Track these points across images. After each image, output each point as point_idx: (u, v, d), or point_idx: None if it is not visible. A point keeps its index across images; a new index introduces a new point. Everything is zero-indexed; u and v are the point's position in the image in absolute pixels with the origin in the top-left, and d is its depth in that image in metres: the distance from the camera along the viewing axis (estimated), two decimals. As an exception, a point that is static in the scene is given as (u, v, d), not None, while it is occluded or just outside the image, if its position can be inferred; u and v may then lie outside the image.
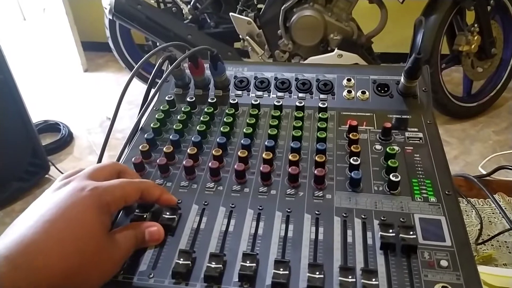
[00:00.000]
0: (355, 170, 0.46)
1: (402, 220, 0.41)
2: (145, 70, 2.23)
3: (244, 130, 0.52)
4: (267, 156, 0.48)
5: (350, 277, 0.36)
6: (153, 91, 0.57)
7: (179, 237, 0.41)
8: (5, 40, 2.04)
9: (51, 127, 2.26)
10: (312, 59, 1.90)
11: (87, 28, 2.90)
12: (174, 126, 0.54)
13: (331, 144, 0.51)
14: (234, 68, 0.64)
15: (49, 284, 0.32)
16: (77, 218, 0.35)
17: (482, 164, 0.88)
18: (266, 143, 0.50)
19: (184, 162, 0.48)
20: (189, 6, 2.03)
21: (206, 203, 0.45)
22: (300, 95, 0.59)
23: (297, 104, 0.56)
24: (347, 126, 0.53)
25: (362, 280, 0.36)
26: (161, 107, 0.57)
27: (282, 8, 1.85)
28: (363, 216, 0.42)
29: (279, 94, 0.60)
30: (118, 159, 0.51)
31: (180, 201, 0.45)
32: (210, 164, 0.47)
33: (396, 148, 0.49)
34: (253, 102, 0.57)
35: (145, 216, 0.42)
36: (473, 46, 1.95)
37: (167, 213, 0.42)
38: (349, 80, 0.60)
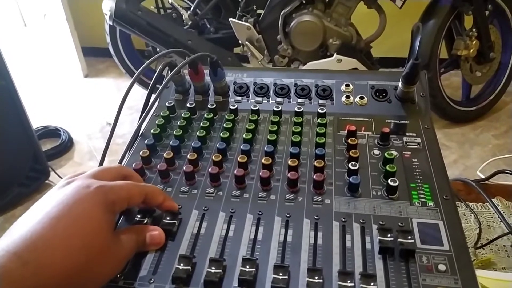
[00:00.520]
0: (354, 175, 0.46)
1: (401, 225, 0.42)
2: (145, 75, 2.24)
3: (244, 135, 0.53)
4: (266, 161, 0.48)
5: (349, 281, 0.36)
6: (153, 97, 0.57)
7: (179, 242, 0.41)
8: (6, 46, 2.05)
9: (52, 132, 2.27)
10: (311, 64, 1.91)
11: (88, 33, 2.91)
12: (174, 132, 0.54)
13: (330, 149, 0.52)
14: (233, 74, 0.64)
15: (56, 280, 0.32)
16: (83, 215, 0.35)
17: (480, 168, 0.88)
18: (265, 148, 0.50)
19: (184, 168, 0.48)
20: (189, 12, 2.04)
21: (206, 208, 0.45)
22: (299, 100, 0.60)
23: (296, 109, 0.57)
24: (346, 131, 0.53)
25: (361, 285, 0.36)
26: (161, 113, 0.58)
27: (281, 13, 1.86)
28: (361, 221, 0.43)
29: (278, 99, 0.60)
30: (119, 165, 0.51)
31: (180, 206, 0.45)
32: (210, 169, 0.47)
33: (394, 153, 0.49)
34: (252, 107, 0.58)
35: (145, 221, 0.43)
36: (471, 51, 1.96)
37: (168, 218, 0.43)
38: (347, 85, 0.60)
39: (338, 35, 1.88)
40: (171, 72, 0.57)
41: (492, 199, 0.71)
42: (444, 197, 0.45)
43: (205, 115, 0.57)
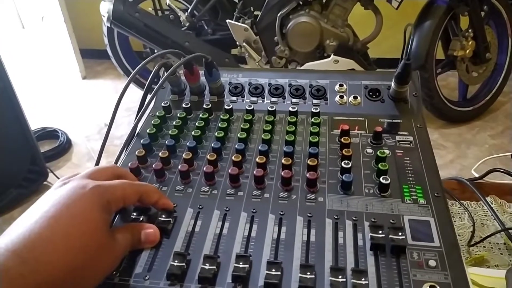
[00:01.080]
0: (347, 173, 0.47)
1: (392, 222, 0.42)
2: (143, 76, 2.25)
3: (238, 135, 0.53)
4: (260, 160, 0.49)
5: (340, 277, 0.37)
6: (149, 97, 0.58)
7: (174, 240, 0.42)
8: (4, 48, 2.06)
9: (50, 134, 2.27)
10: (308, 65, 1.92)
11: (86, 35, 2.92)
12: (170, 132, 0.55)
13: (324, 148, 0.53)
14: (229, 75, 0.65)
15: (54, 278, 0.33)
16: (80, 215, 0.36)
17: (475, 167, 0.89)
18: (259, 147, 0.51)
19: (179, 167, 0.49)
20: (186, 14, 2.05)
21: (201, 207, 0.46)
22: (294, 100, 0.61)
23: (290, 109, 0.58)
24: (339, 130, 0.54)
25: (352, 280, 0.37)
26: (157, 113, 0.59)
27: (279, 15, 1.87)
28: (354, 218, 0.43)
29: (273, 99, 0.61)
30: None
31: (175, 205, 0.46)
32: (204, 168, 0.48)
33: (387, 151, 0.50)
34: (247, 107, 0.59)
35: (141, 219, 0.43)
36: (467, 51, 1.97)
37: (163, 216, 0.43)
38: (341, 85, 0.61)
39: (335, 36, 1.89)
40: (166, 73, 0.58)
41: (486, 198, 0.71)
42: (435, 194, 0.45)
43: (201, 115, 0.58)
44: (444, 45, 2.04)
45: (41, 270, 0.32)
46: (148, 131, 0.55)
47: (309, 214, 0.44)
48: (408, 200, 0.45)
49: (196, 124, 0.56)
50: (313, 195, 0.46)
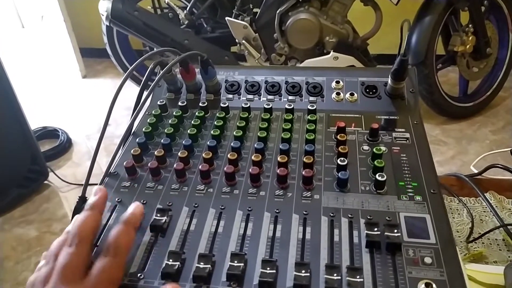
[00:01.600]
0: (343, 170, 0.47)
1: (388, 219, 0.42)
2: (142, 75, 2.25)
3: (235, 133, 0.53)
4: (256, 158, 0.49)
5: (335, 275, 0.37)
6: (145, 95, 0.58)
7: (169, 239, 0.42)
8: (4, 48, 2.05)
9: (50, 133, 2.28)
10: (308, 62, 1.91)
11: (85, 34, 2.91)
12: (165, 130, 0.55)
13: (320, 145, 0.52)
14: (225, 72, 0.65)
15: None
16: None
17: (474, 163, 0.88)
18: (256, 145, 0.51)
19: (175, 166, 0.48)
20: (185, 12, 2.05)
21: (196, 205, 0.45)
22: (290, 97, 0.60)
23: (287, 106, 0.57)
24: (336, 127, 0.54)
25: (347, 278, 0.36)
26: (153, 112, 0.58)
27: (278, 11, 1.86)
28: (350, 216, 0.43)
29: (269, 97, 0.61)
30: (111, 164, 0.52)
31: (171, 204, 0.46)
32: (200, 167, 0.48)
33: (383, 148, 0.50)
34: (243, 105, 0.58)
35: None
36: (468, 46, 1.96)
37: (158, 215, 0.43)
38: (337, 82, 0.61)
39: (335, 32, 1.88)
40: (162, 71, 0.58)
41: (485, 194, 0.71)
42: (432, 191, 0.45)
43: (197, 113, 0.58)
44: (444, 41, 2.03)
45: None
46: (144, 129, 0.55)
47: (304, 212, 0.44)
48: (404, 197, 0.45)
49: (192, 122, 0.56)
50: (309, 192, 0.46)
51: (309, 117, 0.56)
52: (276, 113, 0.58)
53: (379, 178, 0.45)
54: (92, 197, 0.41)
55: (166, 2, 2.12)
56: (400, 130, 0.54)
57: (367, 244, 0.40)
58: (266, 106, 0.58)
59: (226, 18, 1.93)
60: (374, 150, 0.49)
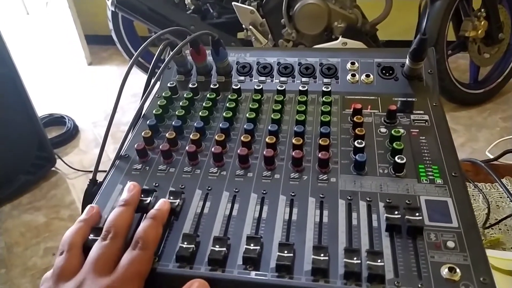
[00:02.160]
0: (360, 153, 0.45)
1: (408, 202, 0.41)
2: (147, 61, 2.23)
3: (247, 115, 0.52)
4: (270, 140, 0.47)
5: (355, 258, 0.36)
6: (156, 77, 0.56)
7: (182, 222, 0.41)
8: (9, 34, 2.04)
9: (57, 120, 2.27)
10: (316, 48, 1.88)
11: (91, 21, 2.89)
12: (176, 112, 0.53)
13: (335, 128, 0.51)
14: (236, 54, 0.63)
15: None
16: None
17: (489, 149, 0.87)
18: (269, 127, 0.49)
19: (187, 148, 0.47)
20: (191, -4, 2.02)
21: (209, 188, 0.44)
22: (304, 79, 0.59)
23: (300, 88, 0.56)
24: (351, 109, 0.52)
25: (368, 262, 0.35)
26: (163, 94, 0.57)
27: (285, -4, 1.83)
28: (368, 199, 0.42)
29: (282, 79, 0.59)
30: (121, 147, 0.50)
31: (183, 187, 0.45)
32: (213, 149, 0.47)
33: (402, 130, 0.48)
34: (255, 87, 0.57)
35: (149, 200, 0.42)
36: (479, 32, 1.92)
37: (171, 198, 0.42)
38: (353, 63, 0.59)
39: (343, 17, 1.84)
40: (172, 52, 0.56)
41: (501, 179, 0.69)
42: (453, 174, 0.43)
43: (208, 96, 0.56)
44: (455, 26, 1.99)
45: None
46: (154, 112, 0.54)
47: (321, 195, 0.42)
48: (424, 180, 0.43)
49: (204, 104, 0.55)
50: (325, 175, 0.45)
51: (323, 99, 0.54)
52: (289, 95, 0.57)
53: (399, 161, 0.43)
54: (125, 192, 0.41)
55: (172, -13, 2.09)
56: (418, 112, 0.52)
57: (387, 228, 0.38)
58: (279, 88, 0.56)
59: (233, 2, 1.90)
60: (392, 132, 0.47)
